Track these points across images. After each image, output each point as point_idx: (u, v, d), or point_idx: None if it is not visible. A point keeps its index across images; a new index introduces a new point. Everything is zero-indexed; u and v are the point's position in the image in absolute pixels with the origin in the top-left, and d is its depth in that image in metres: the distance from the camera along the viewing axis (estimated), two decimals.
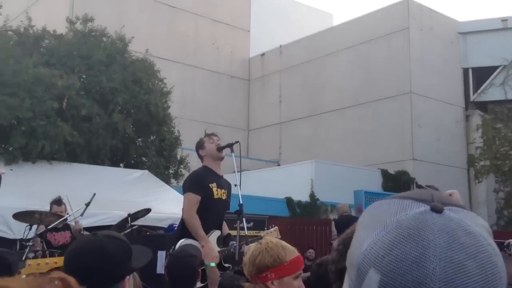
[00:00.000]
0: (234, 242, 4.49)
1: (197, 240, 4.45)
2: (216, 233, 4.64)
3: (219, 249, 4.58)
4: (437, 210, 0.64)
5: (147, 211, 7.08)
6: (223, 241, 4.70)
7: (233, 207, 4.59)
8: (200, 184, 4.66)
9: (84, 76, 12.64)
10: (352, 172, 17.16)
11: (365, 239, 0.66)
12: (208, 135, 4.91)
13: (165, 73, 14.73)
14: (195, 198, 4.57)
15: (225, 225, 4.89)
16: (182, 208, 4.64)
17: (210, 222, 4.58)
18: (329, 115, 21.55)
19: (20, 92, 10.64)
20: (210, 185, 4.67)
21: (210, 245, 4.48)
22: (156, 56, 15.54)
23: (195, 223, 4.48)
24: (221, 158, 4.84)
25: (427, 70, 19.81)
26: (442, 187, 6.42)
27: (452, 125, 20.26)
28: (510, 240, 4.58)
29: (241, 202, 4.48)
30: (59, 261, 4.66)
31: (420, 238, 0.62)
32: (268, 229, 5.38)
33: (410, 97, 19.44)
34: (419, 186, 5.81)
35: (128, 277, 1.72)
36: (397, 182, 17.57)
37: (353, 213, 14.48)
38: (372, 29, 20.78)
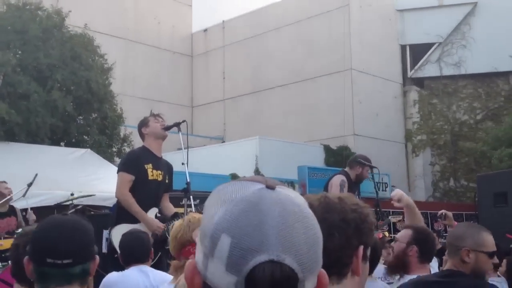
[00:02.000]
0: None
1: (133, 223, 4.46)
2: (153, 210, 4.68)
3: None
4: (270, 187, 0.80)
5: (90, 196, 6.98)
6: (163, 219, 4.71)
7: (181, 185, 4.62)
8: (134, 163, 4.67)
9: (20, 52, 12.18)
10: (295, 148, 17.44)
11: (216, 212, 0.79)
12: (154, 115, 4.89)
13: (105, 48, 14.37)
14: (128, 177, 4.60)
15: (170, 205, 4.93)
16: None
17: (144, 202, 4.59)
18: (272, 91, 21.72)
19: None
20: (146, 165, 4.66)
21: (148, 218, 4.54)
22: (95, 31, 15.11)
23: (129, 200, 4.52)
24: (164, 137, 4.84)
25: (367, 46, 20.24)
26: (381, 161, 6.69)
27: (390, 101, 20.89)
28: (442, 211, 4.87)
29: (188, 180, 4.53)
30: (5, 243, 4.56)
31: (260, 209, 0.76)
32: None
33: (351, 73, 19.85)
34: (360, 162, 6.01)
35: (97, 257, 1.78)
36: (338, 157, 18.02)
37: (296, 189, 14.81)
38: (314, 5, 20.96)
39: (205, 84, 24.27)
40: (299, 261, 0.75)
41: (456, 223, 4.81)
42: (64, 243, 1.69)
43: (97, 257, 1.76)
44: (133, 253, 3.40)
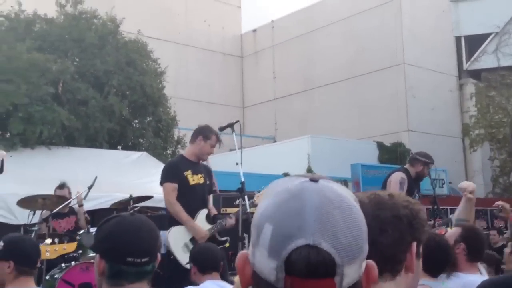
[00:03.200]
0: (222, 220, 4.84)
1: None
2: (202, 213, 4.82)
3: (209, 226, 4.77)
4: (314, 180, 0.83)
5: (149, 198, 7.17)
6: (212, 219, 4.87)
7: (235, 185, 4.69)
8: (175, 172, 4.82)
9: (77, 60, 12.62)
10: (348, 145, 17.26)
11: (262, 205, 0.84)
12: (217, 137, 4.97)
13: (158, 53, 14.69)
14: (171, 186, 4.74)
15: (213, 207, 5.07)
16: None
17: (192, 208, 4.75)
18: (323, 89, 21.57)
19: (15, 78, 10.62)
20: (185, 173, 4.81)
21: (196, 226, 4.70)
22: (148, 36, 15.48)
23: (176, 209, 4.67)
24: (204, 160, 5.01)
25: (419, 40, 19.78)
26: (437, 157, 6.52)
27: (446, 95, 20.33)
28: (499, 202, 4.75)
29: (242, 180, 4.59)
30: (68, 247, 4.75)
31: (300, 197, 0.80)
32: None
33: (404, 68, 19.46)
34: (415, 158, 5.90)
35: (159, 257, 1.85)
36: (393, 154, 17.71)
37: (349, 188, 14.64)
38: (363, 1, 20.67)
39: (255, 84, 24.38)
40: (337, 246, 0.77)
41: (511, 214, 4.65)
42: (144, 243, 1.76)
43: (159, 255, 1.82)
44: (206, 265, 3.52)
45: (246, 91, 24.92)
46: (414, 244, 1.34)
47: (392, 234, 1.31)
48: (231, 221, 4.86)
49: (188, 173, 4.81)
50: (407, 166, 5.87)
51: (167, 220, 4.95)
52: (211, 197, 5.10)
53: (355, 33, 20.79)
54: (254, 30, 25.00)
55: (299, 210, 0.78)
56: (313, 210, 0.78)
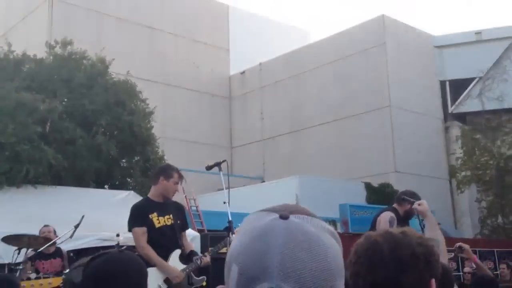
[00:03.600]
0: (198, 256, 4.83)
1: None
2: (175, 253, 4.78)
3: (183, 266, 4.73)
4: (283, 217, 0.82)
5: None
6: (187, 257, 4.83)
7: (223, 224, 4.66)
8: (140, 216, 4.78)
9: (66, 100, 12.62)
10: (336, 186, 17.28)
11: (232, 244, 0.84)
12: (180, 176, 4.97)
13: (147, 93, 14.76)
14: (140, 230, 4.70)
15: (188, 244, 5.02)
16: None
17: (163, 250, 4.71)
18: (310, 130, 21.74)
19: (3, 117, 10.59)
20: (150, 215, 4.77)
21: (169, 266, 4.66)
22: (137, 77, 15.58)
23: (148, 253, 4.62)
24: (170, 198, 4.97)
25: (405, 83, 20.15)
26: (425, 198, 6.48)
27: (432, 137, 20.58)
28: (458, 244, 4.75)
29: (230, 219, 4.56)
30: (54, 281, 4.63)
31: (266, 238, 0.79)
32: None
33: (390, 111, 19.73)
34: (403, 199, 5.90)
35: None
36: (380, 195, 17.73)
37: (338, 228, 14.58)
38: (349, 45, 21.12)
39: (243, 125, 24.53)
40: None
41: (475, 256, 4.64)
42: (131, 280, 1.75)
43: None
44: None
45: (234, 131, 25.04)
46: (433, 281, 1.35)
47: (412, 273, 1.32)
48: (206, 259, 4.82)
49: (154, 216, 4.76)
50: (395, 205, 5.86)
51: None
52: (185, 234, 5.03)
53: (342, 76, 21.15)
54: (242, 72, 25.32)
55: (264, 252, 0.78)
56: (277, 253, 0.77)
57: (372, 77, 20.25)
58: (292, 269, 0.76)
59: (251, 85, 24.77)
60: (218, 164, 4.85)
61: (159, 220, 4.78)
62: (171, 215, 4.86)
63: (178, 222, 4.92)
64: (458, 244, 4.72)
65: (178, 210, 5.00)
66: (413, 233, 1.41)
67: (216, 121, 24.27)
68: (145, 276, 1.77)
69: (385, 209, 5.90)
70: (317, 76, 22.10)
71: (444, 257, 3.09)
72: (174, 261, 4.73)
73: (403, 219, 5.75)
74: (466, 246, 4.68)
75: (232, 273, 0.80)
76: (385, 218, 5.51)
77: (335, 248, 0.83)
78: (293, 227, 0.80)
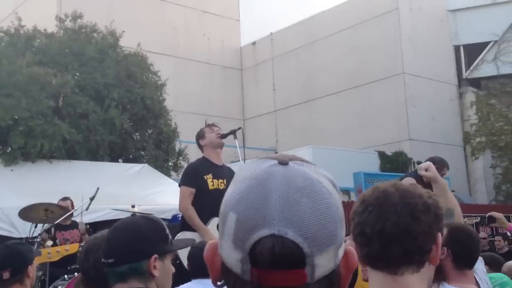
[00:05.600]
0: None
1: (196, 232, 4.57)
2: (214, 221, 4.70)
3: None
4: (283, 163, 0.78)
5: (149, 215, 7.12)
6: None
7: None
8: (194, 176, 4.76)
9: (77, 74, 12.64)
10: (349, 155, 17.23)
11: (228, 192, 0.80)
12: (209, 125, 4.98)
13: (158, 66, 14.72)
14: (188, 191, 4.69)
15: None
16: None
17: (208, 213, 4.65)
18: (323, 100, 21.59)
19: (15, 92, 10.65)
20: (205, 176, 4.74)
21: (209, 233, 4.59)
22: (148, 50, 15.52)
23: (190, 214, 4.61)
24: (222, 145, 4.91)
25: (419, 49, 19.84)
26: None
27: (446, 103, 20.33)
28: (491, 213, 4.63)
29: None
30: (71, 248, 4.68)
31: (266, 183, 0.75)
32: None
33: (403, 78, 19.48)
34: (418, 162, 5.91)
35: (155, 256, 1.76)
36: (394, 163, 17.67)
37: (352, 197, 14.59)
38: (362, 11, 20.77)
39: (255, 96, 24.42)
40: (305, 235, 0.72)
41: (510, 223, 4.56)
42: (109, 244, 1.76)
43: (155, 256, 1.77)
44: (200, 266, 3.46)
45: (246, 103, 24.95)
46: (439, 234, 1.33)
47: (423, 222, 1.29)
48: None
49: (209, 177, 4.74)
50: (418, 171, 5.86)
51: (180, 223, 4.93)
52: None
53: (354, 44, 20.85)
54: (254, 43, 25.08)
55: (264, 198, 0.74)
56: (279, 198, 0.74)
57: (385, 44, 19.95)
58: (294, 214, 0.73)
59: (263, 56, 24.56)
60: (233, 132, 4.86)
61: (213, 183, 4.76)
62: (225, 180, 4.81)
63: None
64: (489, 214, 4.63)
65: (231, 176, 4.96)
66: (422, 188, 1.39)
67: (228, 93, 24.18)
68: (132, 240, 1.75)
69: (408, 174, 5.90)
70: (329, 45, 21.82)
71: (459, 221, 2.87)
72: (212, 228, 4.66)
73: (426, 186, 5.76)
74: (499, 215, 4.54)
75: (228, 221, 0.76)
76: (406, 183, 5.52)
77: (336, 195, 0.79)
78: (293, 172, 0.77)
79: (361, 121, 19.89)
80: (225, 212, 0.78)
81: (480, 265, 2.87)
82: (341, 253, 0.78)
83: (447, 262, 2.62)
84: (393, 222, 1.27)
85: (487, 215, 4.72)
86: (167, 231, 1.87)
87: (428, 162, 3.19)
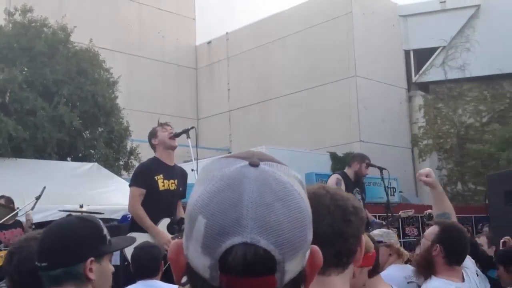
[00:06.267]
0: None
1: (145, 232, 4.55)
2: (164, 221, 4.71)
3: (170, 236, 4.66)
4: (254, 164, 0.76)
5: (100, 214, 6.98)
6: (177, 225, 4.75)
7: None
8: (144, 176, 4.74)
9: (26, 69, 12.29)
10: (302, 156, 17.41)
11: (197, 192, 0.77)
12: (161, 124, 4.94)
13: (110, 63, 14.48)
14: (138, 191, 4.67)
15: (181, 212, 4.93)
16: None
17: (159, 214, 4.66)
18: (277, 100, 21.75)
19: None
20: (156, 177, 4.72)
21: (160, 233, 4.58)
22: (100, 47, 15.24)
23: (140, 214, 4.59)
24: (173, 147, 4.88)
25: (371, 53, 20.25)
26: (388, 166, 6.69)
27: (396, 106, 20.85)
28: (427, 211, 4.82)
29: None
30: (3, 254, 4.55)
31: (238, 186, 0.73)
32: None
33: (356, 80, 19.85)
34: (370, 165, 6.17)
35: (91, 259, 1.72)
36: (345, 164, 17.84)
37: None
38: (316, 14, 21.03)
39: (210, 96, 24.35)
40: (277, 242, 0.71)
41: None
42: (39, 246, 1.71)
43: (91, 258, 1.71)
44: (142, 267, 3.45)
45: (200, 103, 24.85)
46: (363, 236, 1.37)
47: (354, 224, 1.32)
48: None
49: (159, 177, 4.72)
50: (345, 169, 6.18)
51: (129, 224, 4.88)
52: (180, 203, 4.95)
53: (308, 46, 21.10)
54: (209, 42, 25.00)
55: (236, 202, 0.72)
56: (252, 203, 0.71)
57: (338, 46, 20.27)
58: (267, 221, 0.71)
59: (218, 56, 24.51)
60: (186, 131, 4.85)
61: (164, 183, 4.73)
62: (176, 181, 4.79)
63: (180, 189, 4.86)
64: (428, 211, 4.78)
65: (182, 177, 4.92)
66: (344, 191, 1.42)
67: (182, 92, 24.01)
68: (65, 244, 1.70)
69: (334, 172, 6.23)
70: (283, 46, 22.00)
71: None
72: (162, 228, 4.66)
73: (355, 181, 6.04)
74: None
75: (198, 225, 0.73)
76: (332, 181, 5.80)
77: (305, 197, 0.78)
78: (265, 175, 0.74)
79: (313, 122, 20.15)
80: (193, 215, 0.74)
81: (470, 264, 3.01)
82: (308, 254, 0.78)
83: (438, 258, 2.77)
84: (327, 223, 1.29)
85: (426, 213, 4.89)
86: (105, 231, 1.80)
87: (428, 169, 3.26)
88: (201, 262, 0.73)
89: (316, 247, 0.81)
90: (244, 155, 0.79)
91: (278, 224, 0.72)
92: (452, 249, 2.79)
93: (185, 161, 9.77)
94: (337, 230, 1.30)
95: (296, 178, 0.79)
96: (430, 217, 4.77)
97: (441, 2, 21.70)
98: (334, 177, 5.96)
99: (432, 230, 2.88)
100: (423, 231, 11.73)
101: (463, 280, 2.80)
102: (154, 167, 4.80)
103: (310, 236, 0.77)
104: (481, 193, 12.95)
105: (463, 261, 2.88)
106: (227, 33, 24.21)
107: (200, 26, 25.23)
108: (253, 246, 0.70)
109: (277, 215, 0.72)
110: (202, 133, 23.53)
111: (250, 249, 0.70)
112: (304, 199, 0.77)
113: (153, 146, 4.93)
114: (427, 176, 3.09)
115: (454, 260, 2.80)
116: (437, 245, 2.78)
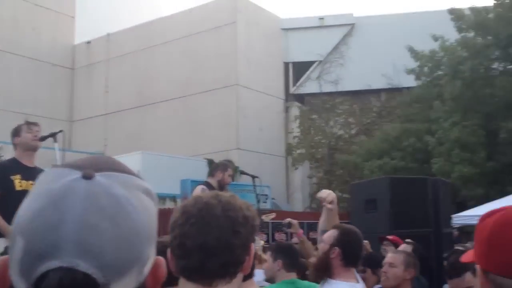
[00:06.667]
0: None
1: (2, 237, 4.35)
2: None
3: None
4: (87, 176, 0.69)
5: None
6: None
7: None
8: (0, 177, 4.53)
9: None
10: (179, 162, 17.32)
11: (21, 208, 0.72)
12: (28, 124, 4.71)
13: None
14: None
15: None
16: None
17: (14, 214, 4.40)
18: (157, 105, 21.49)
19: None
20: (12, 177, 4.52)
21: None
22: None
23: None
24: (35, 148, 4.70)
25: (252, 63, 20.71)
26: (263, 174, 6.85)
27: (273, 116, 21.47)
28: (287, 219, 5.01)
29: None
30: None
31: (62, 204, 0.67)
32: None
33: (236, 89, 20.18)
34: (243, 173, 6.34)
35: None
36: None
37: (179, 202, 14.67)
38: (201, 21, 21.13)
39: (86, 98, 23.46)
40: (101, 264, 0.66)
41: (301, 230, 5.00)
42: None
43: None
44: None
45: (76, 104, 23.84)
46: (253, 245, 1.36)
47: (242, 235, 1.31)
48: None
49: (16, 178, 4.52)
50: (208, 179, 6.26)
51: None
52: None
53: (191, 53, 21.12)
54: (88, 42, 24.12)
55: (57, 223, 0.66)
56: (74, 223, 0.66)
57: (221, 55, 20.49)
58: (89, 242, 0.65)
59: (97, 56, 23.71)
60: (53, 135, 4.71)
61: (22, 184, 4.51)
62: (35, 182, 4.50)
63: None
64: (287, 220, 4.95)
65: None
66: (240, 199, 1.42)
67: (56, 93, 22.87)
68: None
69: (198, 184, 6.26)
70: (166, 51, 21.81)
71: None
72: None
73: (219, 189, 6.12)
74: (294, 222, 4.89)
75: (16, 246, 0.66)
76: (197, 191, 5.80)
77: (148, 210, 0.73)
78: (96, 189, 0.68)
79: (193, 129, 20.17)
80: (13, 234, 0.68)
81: None
82: (147, 269, 0.73)
83: (336, 260, 2.87)
84: (215, 236, 1.28)
85: (284, 221, 5.06)
86: None
87: (330, 192, 3.39)
88: (19, 286, 0.67)
89: (161, 259, 0.76)
90: (83, 163, 0.72)
91: (102, 245, 0.66)
92: (350, 251, 2.92)
93: (54, 166, 9.32)
94: (224, 242, 1.29)
95: (139, 188, 0.74)
96: (289, 225, 4.95)
97: (320, 19, 22.81)
98: (199, 188, 5.99)
99: (331, 234, 2.98)
100: (273, 238, 12.16)
101: (357, 281, 2.93)
102: (11, 167, 4.61)
103: (149, 250, 0.72)
104: (346, 200, 13.72)
105: (358, 262, 3.05)
106: (108, 34, 23.52)
107: (79, 24, 24.27)
108: (71, 270, 0.65)
109: (102, 235, 0.66)
110: (76, 136, 22.58)
111: (67, 274, 0.64)
112: (142, 213, 0.71)
113: (14, 145, 4.74)
114: (330, 203, 3.28)
115: (351, 262, 2.93)
116: (336, 247, 2.88)
